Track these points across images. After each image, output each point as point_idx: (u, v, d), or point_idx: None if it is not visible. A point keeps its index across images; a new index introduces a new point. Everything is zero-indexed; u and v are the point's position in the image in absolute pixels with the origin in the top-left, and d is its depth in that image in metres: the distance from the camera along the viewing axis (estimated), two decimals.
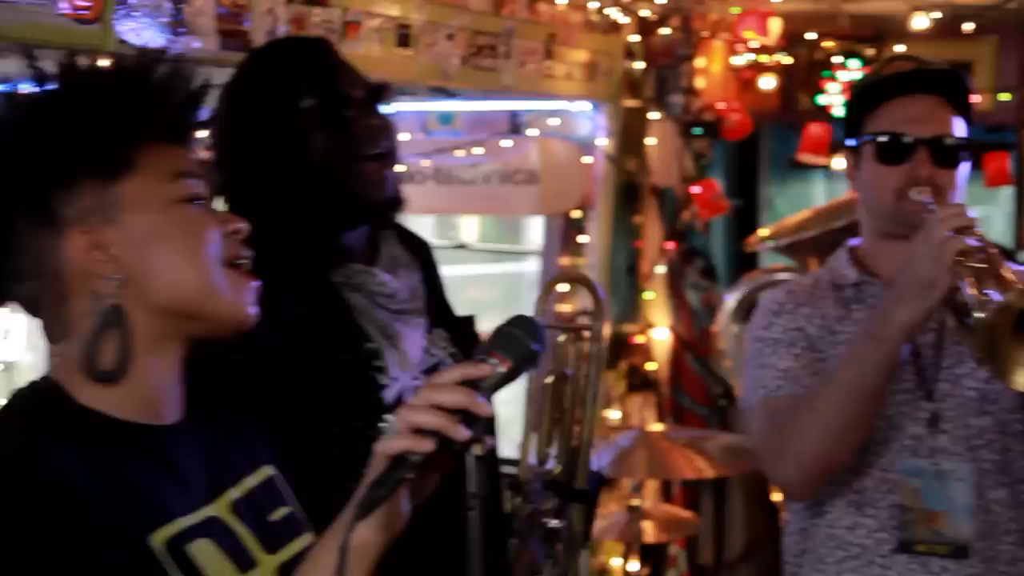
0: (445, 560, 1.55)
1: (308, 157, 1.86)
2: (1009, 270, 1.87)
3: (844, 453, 2.04)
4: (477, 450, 1.23)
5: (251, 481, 1.40)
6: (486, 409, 1.23)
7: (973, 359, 1.89)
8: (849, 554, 2.12)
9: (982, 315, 1.76)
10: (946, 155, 2.08)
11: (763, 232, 4.87)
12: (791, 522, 2.24)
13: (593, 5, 4.19)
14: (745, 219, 5.76)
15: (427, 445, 1.21)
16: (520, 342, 1.29)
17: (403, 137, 4.89)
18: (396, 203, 1.97)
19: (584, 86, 4.29)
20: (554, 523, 2.43)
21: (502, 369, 1.27)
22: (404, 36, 3.24)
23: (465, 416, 1.23)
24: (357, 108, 1.89)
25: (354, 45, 3.06)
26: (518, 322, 1.31)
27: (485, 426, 1.25)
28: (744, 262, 5.42)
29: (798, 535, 2.22)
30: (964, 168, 2.12)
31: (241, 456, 1.41)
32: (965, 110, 2.13)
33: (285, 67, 1.93)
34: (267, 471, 1.43)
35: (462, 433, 1.22)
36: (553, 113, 4.50)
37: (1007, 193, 5.28)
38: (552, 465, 2.48)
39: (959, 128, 2.11)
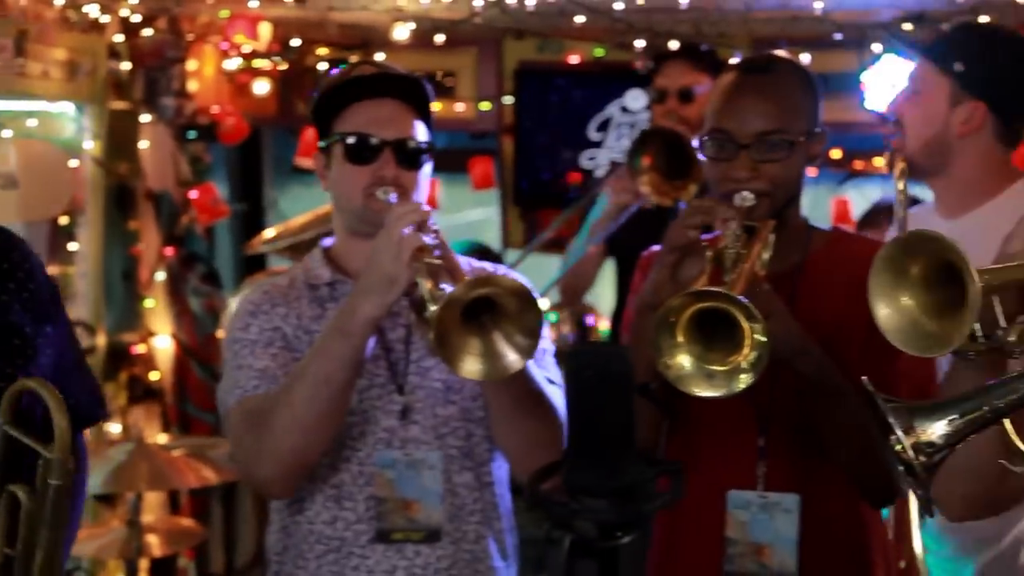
0: None
1: None
2: (462, 265, 1.99)
3: (318, 447, 2.08)
4: None
5: None
6: None
7: (429, 350, 1.99)
8: (329, 548, 2.17)
9: (435, 308, 1.86)
10: (410, 157, 2.18)
11: (267, 235, 4.88)
12: (273, 520, 2.26)
13: (60, 2, 3.99)
14: (251, 223, 5.74)
15: None
16: None
17: None
18: None
19: (64, 86, 4.08)
20: None
21: None
22: None
23: None
24: None
25: None
26: None
27: None
28: (252, 266, 5.41)
29: (280, 532, 2.24)
30: (426, 169, 2.23)
31: None
32: (426, 115, 2.24)
33: None
34: None
35: None
36: (31, 114, 4.24)
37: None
38: None
39: (421, 132, 2.21)
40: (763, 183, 2.08)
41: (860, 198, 5.09)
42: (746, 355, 1.78)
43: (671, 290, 1.94)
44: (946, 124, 2.43)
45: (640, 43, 4.64)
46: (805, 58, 4.14)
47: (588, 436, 1.29)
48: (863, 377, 1.40)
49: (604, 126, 5.16)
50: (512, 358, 1.87)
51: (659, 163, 3.49)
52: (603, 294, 4.35)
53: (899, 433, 1.32)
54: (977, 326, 1.42)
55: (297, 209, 5.71)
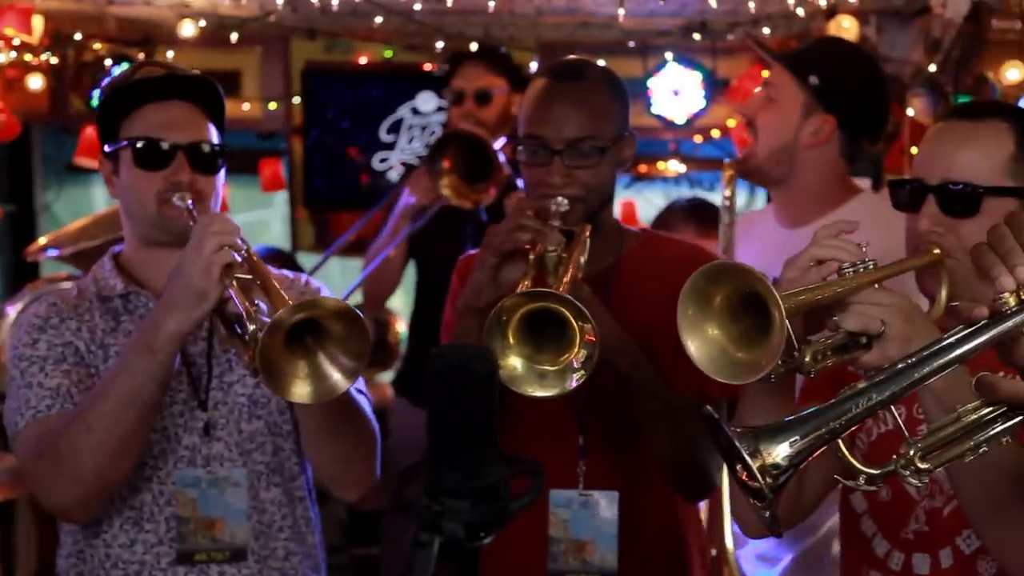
0: None
1: None
2: (274, 280, 1.93)
3: (123, 468, 2.00)
4: None
5: None
6: None
7: (250, 374, 1.94)
8: (127, 572, 2.09)
9: (255, 329, 1.80)
10: (204, 161, 2.11)
11: (43, 240, 4.64)
12: (64, 544, 2.16)
13: None
14: (21, 226, 5.48)
15: None
16: None
17: None
18: None
19: None
20: None
21: None
22: None
23: None
24: None
25: None
26: None
27: None
28: (25, 272, 5.15)
29: (74, 557, 2.14)
30: (222, 174, 2.16)
31: None
32: (219, 117, 2.17)
33: None
34: None
35: None
36: None
37: (283, 197, 5.54)
38: None
39: (214, 135, 2.14)
40: (577, 188, 2.12)
41: (643, 201, 5.24)
42: (576, 353, 1.83)
43: (493, 293, 1.96)
44: (796, 134, 2.53)
45: (439, 44, 4.63)
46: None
47: (450, 437, 1.26)
48: (707, 407, 1.43)
49: (396, 128, 5.13)
50: (337, 378, 1.84)
51: (458, 165, 3.50)
52: (398, 295, 4.33)
53: (747, 458, 1.34)
54: None
55: (74, 212, 5.48)
